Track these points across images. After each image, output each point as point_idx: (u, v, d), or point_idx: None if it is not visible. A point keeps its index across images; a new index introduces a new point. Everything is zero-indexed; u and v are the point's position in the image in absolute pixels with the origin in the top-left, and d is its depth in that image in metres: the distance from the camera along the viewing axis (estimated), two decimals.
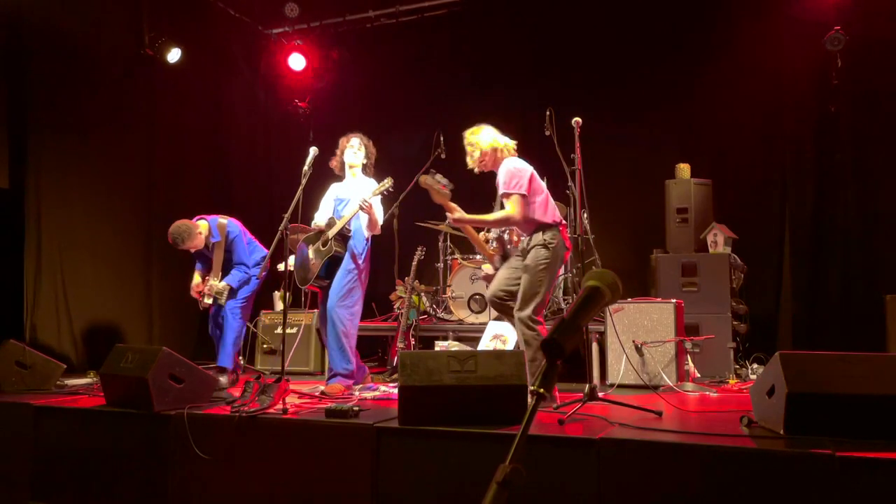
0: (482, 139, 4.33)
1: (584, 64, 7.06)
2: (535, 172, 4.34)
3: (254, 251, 5.39)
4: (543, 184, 4.39)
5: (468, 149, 4.39)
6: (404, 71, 7.71)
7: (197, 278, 5.37)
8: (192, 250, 5.22)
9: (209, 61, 7.60)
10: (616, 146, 6.79)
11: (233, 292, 5.22)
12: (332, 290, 4.69)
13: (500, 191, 4.27)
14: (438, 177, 4.30)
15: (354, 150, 4.87)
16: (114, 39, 6.65)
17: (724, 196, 6.24)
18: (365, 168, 4.98)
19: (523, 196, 4.19)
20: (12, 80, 5.94)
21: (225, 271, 5.28)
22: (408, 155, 6.63)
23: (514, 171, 4.24)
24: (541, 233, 4.21)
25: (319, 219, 4.96)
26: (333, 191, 5.01)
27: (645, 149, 6.79)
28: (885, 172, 6.05)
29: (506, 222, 4.31)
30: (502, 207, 4.28)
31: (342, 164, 4.92)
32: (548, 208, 4.29)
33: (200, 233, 5.14)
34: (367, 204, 4.56)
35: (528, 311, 4.10)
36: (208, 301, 5.22)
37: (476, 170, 4.43)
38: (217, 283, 5.17)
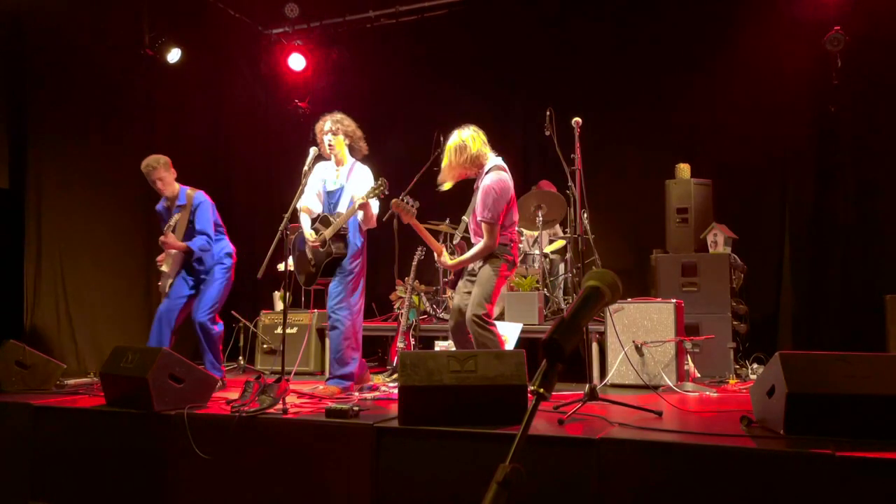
0: (468, 153, 4.24)
1: (584, 64, 7.06)
2: (512, 185, 4.27)
3: (219, 240, 5.19)
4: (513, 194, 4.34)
5: (453, 169, 4.28)
6: (404, 71, 7.71)
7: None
8: (159, 187, 5.07)
9: (209, 61, 7.61)
10: (616, 146, 6.80)
11: (196, 277, 5.08)
12: (332, 293, 4.64)
13: (480, 214, 4.16)
14: (408, 199, 4.27)
15: (329, 141, 4.67)
16: (114, 39, 6.65)
17: (724, 196, 6.24)
18: (352, 150, 4.79)
19: (499, 224, 4.18)
20: (12, 81, 5.94)
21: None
22: (407, 155, 6.64)
23: (497, 197, 4.13)
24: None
25: (305, 202, 4.77)
26: (319, 173, 4.81)
27: (645, 149, 6.79)
28: (884, 172, 6.05)
29: (485, 252, 4.22)
30: (471, 222, 4.33)
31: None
32: (509, 229, 4.28)
33: (174, 174, 5.11)
34: (363, 200, 4.50)
35: (480, 311, 4.12)
36: (165, 268, 5.05)
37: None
38: (177, 241, 4.99)
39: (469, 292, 4.26)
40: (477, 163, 4.27)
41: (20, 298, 5.85)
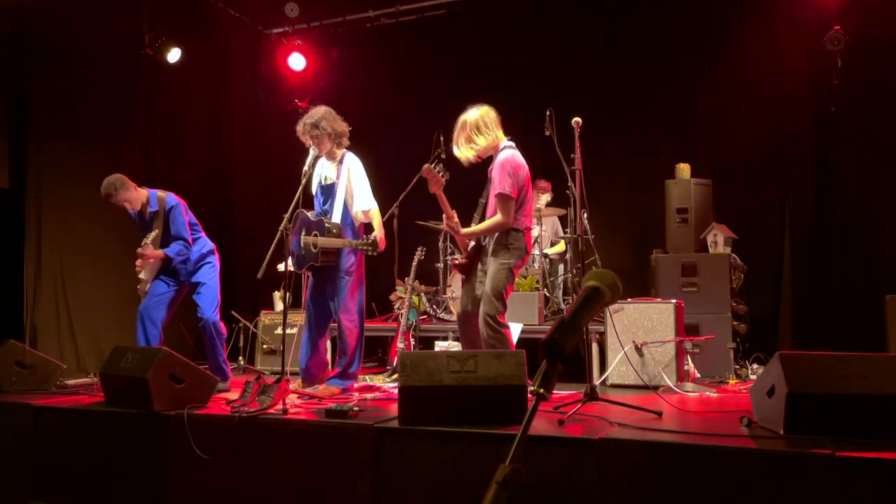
0: (485, 135, 4.25)
1: (584, 64, 7.06)
2: (527, 168, 4.29)
3: (198, 240, 5.09)
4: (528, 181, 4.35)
5: (470, 145, 4.27)
6: (404, 71, 7.71)
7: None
8: (128, 207, 4.95)
9: (209, 61, 7.61)
10: (616, 146, 6.80)
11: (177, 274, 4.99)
12: (336, 300, 4.61)
13: (495, 189, 4.17)
14: (440, 167, 4.27)
15: (311, 146, 4.64)
16: (114, 39, 6.65)
17: (724, 196, 6.24)
18: (338, 143, 4.71)
19: (513, 199, 4.15)
20: (12, 81, 5.94)
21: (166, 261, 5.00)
22: (407, 155, 6.62)
23: (511, 171, 4.16)
24: (505, 234, 4.21)
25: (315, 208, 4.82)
26: (318, 168, 4.81)
27: (645, 149, 6.79)
28: (885, 172, 6.05)
29: (498, 228, 4.20)
30: (488, 202, 4.32)
31: None
32: (524, 213, 4.26)
33: (136, 189, 4.91)
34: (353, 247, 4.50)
35: (492, 311, 4.09)
36: (144, 276, 4.95)
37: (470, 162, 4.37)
38: (154, 250, 4.87)
39: (482, 282, 4.24)
40: (495, 143, 4.30)
41: (20, 298, 5.85)
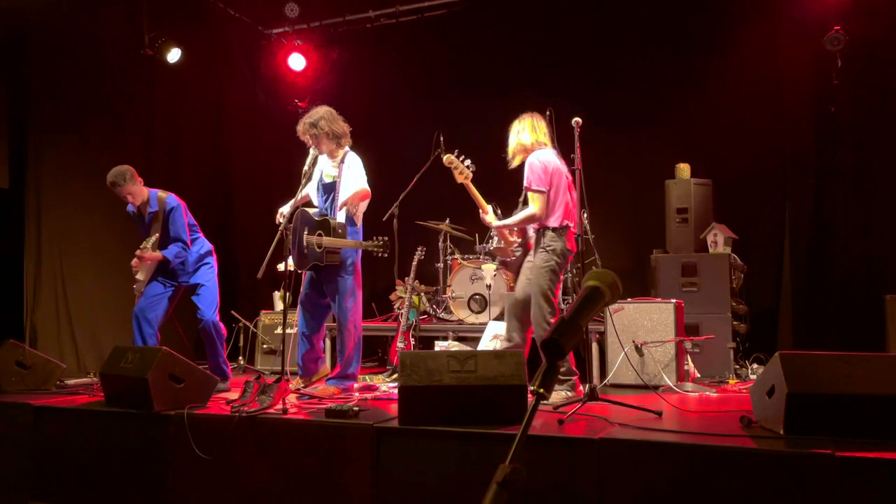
0: (523, 139, 4.43)
1: (584, 64, 7.05)
2: (559, 167, 4.36)
3: (196, 241, 5.08)
4: (565, 180, 4.39)
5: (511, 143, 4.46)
6: (404, 71, 7.70)
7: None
8: (129, 200, 4.93)
9: (209, 61, 7.60)
10: (616, 146, 6.79)
11: (171, 273, 4.97)
12: (336, 300, 4.63)
13: (525, 183, 4.32)
14: (463, 157, 4.35)
15: (312, 146, 4.65)
16: (114, 39, 6.65)
17: (724, 196, 6.24)
18: (338, 143, 4.70)
19: (544, 193, 4.26)
20: (12, 80, 5.94)
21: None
22: (407, 155, 6.63)
23: (539, 167, 4.28)
24: (542, 235, 4.31)
25: (307, 190, 4.82)
26: (320, 164, 4.79)
27: (645, 149, 6.78)
28: (885, 172, 6.04)
29: (530, 220, 4.35)
30: (526, 201, 4.40)
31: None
32: (558, 210, 4.31)
33: (141, 181, 4.91)
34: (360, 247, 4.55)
35: (540, 314, 4.22)
36: (140, 276, 4.92)
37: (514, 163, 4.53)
38: (153, 252, 4.86)
39: (529, 279, 4.34)
40: (531, 147, 4.43)
41: (20, 298, 5.85)
